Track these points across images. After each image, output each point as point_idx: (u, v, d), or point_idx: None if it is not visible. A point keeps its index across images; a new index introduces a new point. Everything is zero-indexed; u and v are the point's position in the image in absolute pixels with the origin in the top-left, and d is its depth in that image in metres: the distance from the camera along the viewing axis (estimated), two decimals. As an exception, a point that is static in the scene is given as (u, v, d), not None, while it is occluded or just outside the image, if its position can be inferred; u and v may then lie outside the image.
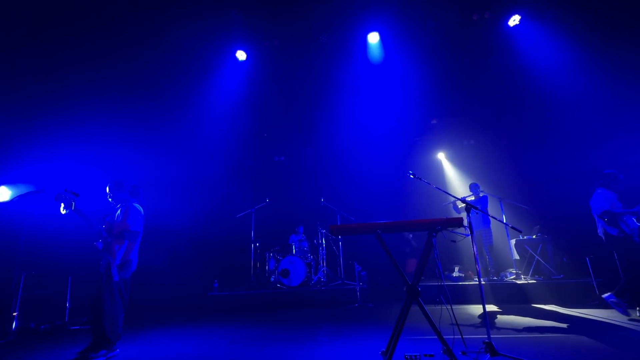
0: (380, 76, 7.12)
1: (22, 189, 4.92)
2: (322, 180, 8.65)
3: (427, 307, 2.43)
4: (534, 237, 5.96)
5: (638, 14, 5.68)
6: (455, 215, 6.33)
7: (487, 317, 2.71)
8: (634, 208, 4.24)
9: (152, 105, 7.12)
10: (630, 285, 4.04)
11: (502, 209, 6.24)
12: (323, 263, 6.82)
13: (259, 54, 6.87)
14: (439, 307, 2.97)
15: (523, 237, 6.01)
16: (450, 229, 2.64)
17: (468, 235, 2.84)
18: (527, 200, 6.42)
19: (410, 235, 7.56)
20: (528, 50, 6.52)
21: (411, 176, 3.32)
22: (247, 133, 8.39)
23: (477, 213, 5.55)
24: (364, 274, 6.28)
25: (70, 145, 6.22)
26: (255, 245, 7.16)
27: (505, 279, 5.75)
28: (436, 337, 2.39)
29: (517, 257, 6.11)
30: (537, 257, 5.71)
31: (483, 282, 5.21)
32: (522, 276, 5.79)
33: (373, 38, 6.55)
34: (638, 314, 4.01)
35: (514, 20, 6.17)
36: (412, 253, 7.36)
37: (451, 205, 6.35)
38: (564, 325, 3.71)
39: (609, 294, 4.16)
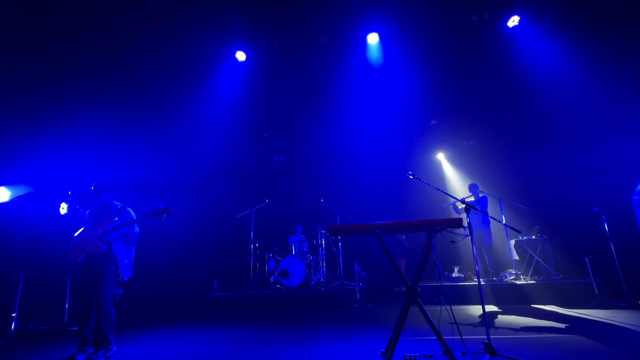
0: (380, 76, 7.13)
1: (22, 190, 4.92)
2: (321, 180, 8.65)
3: (427, 308, 2.43)
4: (533, 237, 5.96)
5: (635, 14, 5.69)
6: (455, 216, 6.34)
7: (486, 317, 2.71)
8: None
9: (151, 106, 7.12)
10: None
11: (501, 210, 6.25)
12: (323, 264, 6.81)
13: (259, 55, 6.88)
14: (438, 307, 2.97)
15: (522, 237, 6.02)
16: (449, 229, 2.64)
17: (467, 236, 2.84)
18: (526, 200, 6.42)
19: (404, 237, 7.56)
20: (527, 51, 6.54)
21: (410, 177, 3.32)
22: (246, 134, 8.39)
23: (476, 214, 5.56)
24: (363, 274, 6.27)
25: (70, 146, 6.22)
26: (254, 245, 7.15)
27: (505, 280, 5.75)
28: (436, 337, 2.39)
29: (516, 257, 6.12)
30: (536, 257, 5.72)
31: (482, 283, 5.21)
32: (522, 276, 5.80)
33: (373, 39, 6.56)
34: None
35: (513, 21, 6.19)
36: (403, 254, 7.37)
37: (451, 206, 6.36)
38: (564, 326, 3.71)
39: None
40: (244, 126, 8.11)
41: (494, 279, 5.86)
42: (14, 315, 4.52)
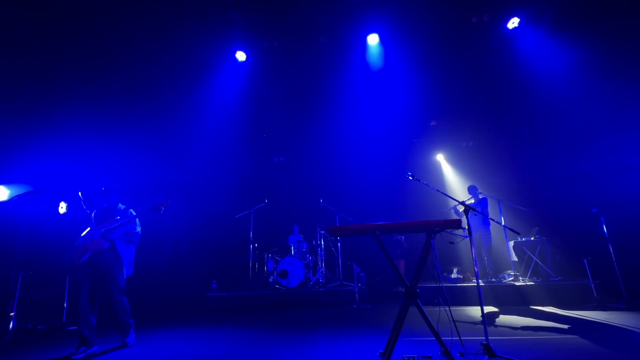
0: (380, 77, 7.14)
1: (21, 189, 4.91)
2: (321, 181, 8.66)
3: (425, 309, 2.44)
4: (532, 239, 5.97)
5: (635, 15, 5.71)
6: (456, 218, 6.34)
7: (485, 318, 2.71)
8: None
9: (150, 106, 7.11)
10: None
11: (500, 211, 6.26)
12: (322, 264, 6.81)
13: (259, 55, 6.88)
14: (437, 308, 2.97)
15: (521, 239, 6.03)
16: (448, 230, 2.64)
17: (467, 237, 2.84)
18: (525, 202, 6.44)
19: (402, 238, 7.57)
20: (527, 53, 6.55)
21: (410, 177, 3.33)
22: (246, 134, 8.39)
23: (475, 215, 5.57)
24: (362, 275, 6.28)
25: (69, 146, 6.21)
26: (253, 245, 7.15)
27: (504, 281, 5.76)
28: (434, 338, 2.39)
29: (515, 258, 6.13)
30: (535, 258, 5.73)
31: (481, 284, 5.22)
32: (520, 278, 5.81)
33: (373, 40, 6.57)
34: None
35: (513, 23, 6.20)
36: (402, 255, 7.37)
37: (452, 210, 6.36)
38: (562, 327, 3.72)
39: None
40: (244, 126, 8.11)
41: (493, 280, 5.86)
42: (12, 314, 4.51)
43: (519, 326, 3.85)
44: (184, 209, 7.78)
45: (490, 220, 6.03)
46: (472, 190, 6.31)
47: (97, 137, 6.55)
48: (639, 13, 5.65)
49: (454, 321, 2.65)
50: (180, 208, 7.69)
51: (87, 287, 3.47)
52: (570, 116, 6.81)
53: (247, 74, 7.17)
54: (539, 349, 2.96)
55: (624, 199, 5.99)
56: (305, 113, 8.10)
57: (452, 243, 2.93)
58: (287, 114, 8.11)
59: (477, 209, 3.06)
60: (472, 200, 6.23)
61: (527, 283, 5.46)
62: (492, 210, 6.65)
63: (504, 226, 3.60)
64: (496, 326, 3.91)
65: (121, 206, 3.85)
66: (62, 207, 5.96)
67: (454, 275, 6.25)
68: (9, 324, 4.43)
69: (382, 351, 2.58)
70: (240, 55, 6.78)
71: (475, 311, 4.86)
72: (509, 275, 5.90)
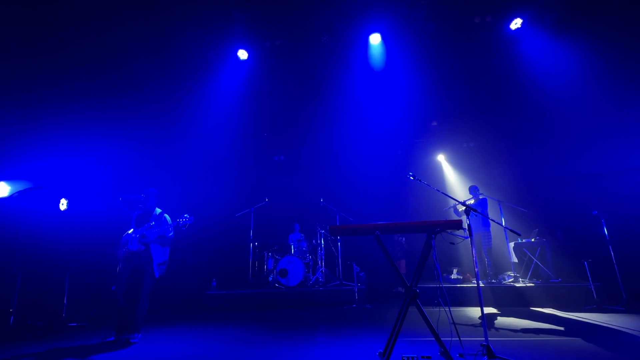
0: (381, 77, 7.13)
1: (22, 185, 4.92)
2: (321, 180, 8.65)
3: (425, 309, 2.43)
4: (532, 240, 5.97)
5: (638, 17, 5.69)
6: (455, 218, 6.34)
7: (484, 319, 2.70)
8: None
9: (151, 104, 7.11)
10: None
11: (501, 212, 6.25)
12: (321, 263, 6.81)
13: (261, 54, 6.87)
14: (436, 309, 2.97)
15: (522, 240, 6.02)
16: (449, 231, 2.64)
17: (467, 238, 2.84)
18: (526, 203, 6.42)
19: (403, 238, 7.57)
20: (529, 54, 6.54)
21: (411, 178, 3.32)
22: (247, 132, 8.39)
23: (476, 215, 5.57)
24: (362, 274, 6.28)
25: (70, 142, 6.21)
26: (253, 244, 7.15)
27: (504, 282, 5.75)
28: (434, 339, 2.39)
29: (515, 260, 6.12)
30: (535, 260, 5.72)
31: (481, 285, 5.21)
32: (521, 279, 5.80)
33: (375, 39, 6.55)
34: None
35: (516, 23, 6.18)
36: (402, 255, 7.37)
37: (452, 210, 6.35)
38: (562, 329, 3.72)
39: None
40: (245, 125, 8.10)
41: (493, 281, 5.86)
42: (12, 310, 4.52)
43: (518, 328, 3.84)
44: (184, 207, 7.77)
45: (490, 221, 6.03)
46: (472, 190, 6.30)
47: (98, 134, 6.54)
48: (642, 15, 5.63)
49: (453, 322, 2.65)
50: (181, 206, 7.69)
51: (123, 281, 3.88)
52: (571, 118, 6.80)
53: (248, 72, 7.16)
54: (538, 350, 2.96)
55: (625, 201, 5.98)
56: (306, 112, 8.09)
57: (453, 244, 2.92)
58: (288, 112, 8.10)
59: (477, 210, 3.04)
60: (472, 201, 6.22)
61: (527, 284, 5.46)
62: (492, 211, 6.64)
63: (504, 227, 3.59)
64: (496, 327, 3.91)
65: (157, 210, 4.18)
66: (63, 204, 5.96)
67: (453, 276, 6.24)
68: (9, 320, 4.44)
69: (381, 351, 2.58)
70: (242, 54, 6.77)
71: (474, 312, 4.86)
72: (509, 276, 5.89)
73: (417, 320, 2.64)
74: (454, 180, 8.53)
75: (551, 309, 4.87)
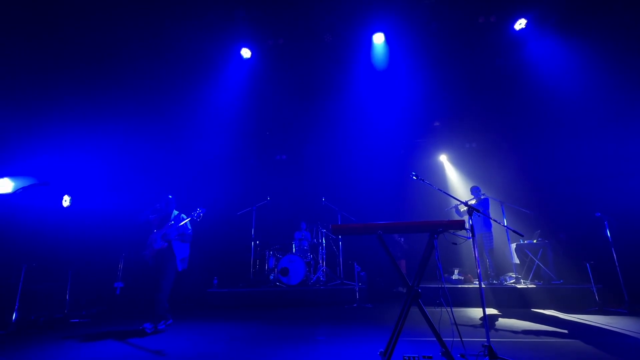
0: (384, 77, 7.12)
1: (25, 181, 4.94)
2: (323, 179, 8.65)
3: (426, 309, 2.43)
4: (534, 241, 5.95)
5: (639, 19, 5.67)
6: (457, 218, 6.33)
7: (486, 320, 2.70)
8: None
9: (155, 101, 7.13)
10: None
11: (503, 213, 6.23)
12: (322, 262, 6.82)
13: (264, 52, 6.87)
14: (438, 309, 2.97)
15: (524, 241, 6.00)
16: (451, 231, 2.63)
17: (469, 238, 2.83)
18: (528, 204, 6.40)
19: (402, 239, 7.56)
20: (533, 54, 6.51)
21: (414, 177, 3.31)
22: (249, 131, 8.39)
23: (479, 216, 5.55)
24: (363, 274, 6.28)
25: (74, 139, 6.24)
26: (255, 243, 7.16)
27: (505, 283, 5.74)
28: (435, 339, 2.39)
29: (517, 261, 6.10)
30: (537, 261, 5.70)
31: (483, 286, 5.20)
32: (522, 280, 5.79)
33: (378, 39, 6.54)
34: None
35: (520, 24, 6.15)
36: (402, 255, 7.36)
37: (453, 210, 6.34)
38: (563, 331, 3.71)
39: None
40: (247, 123, 8.11)
41: (494, 282, 5.85)
42: (15, 306, 4.55)
43: (519, 329, 3.83)
44: (186, 205, 7.79)
45: (492, 222, 6.01)
46: (474, 190, 6.29)
47: (101, 131, 6.57)
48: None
49: (455, 322, 2.64)
50: (182, 204, 7.71)
51: (151, 277, 4.28)
52: (575, 119, 6.76)
53: (251, 71, 7.17)
54: (539, 352, 2.95)
55: (629, 203, 5.95)
56: (309, 111, 8.08)
57: (456, 244, 2.92)
58: (291, 111, 8.10)
59: (479, 210, 3.03)
60: (474, 201, 6.21)
61: (529, 286, 5.44)
62: (494, 212, 6.63)
63: (506, 228, 3.58)
64: (497, 328, 3.90)
65: (175, 212, 4.66)
66: (66, 200, 5.99)
67: (455, 277, 6.23)
68: (12, 316, 4.47)
69: (382, 350, 2.58)
70: (245, 52, 6.78)
71: (476, 313, 4.85)
72: (511, 277, 5.88)
73: (419, 320, 2.63)
74: (455, 180, 8.51)
75: (553, 311, 4.86)
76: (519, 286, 5.45)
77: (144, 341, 3.69)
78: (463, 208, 6.06)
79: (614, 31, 5.92)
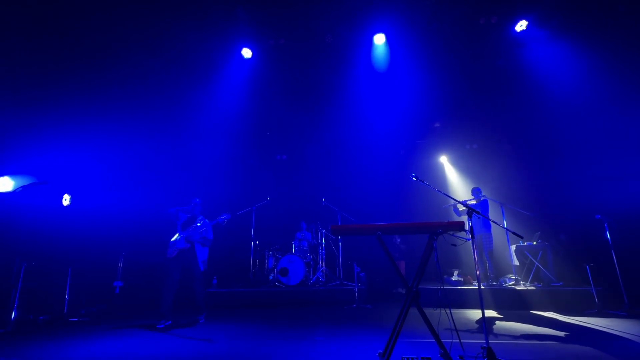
0: (385, 77, 7.11)
1: (25, 180, 4.94)
2: (323, 180, 8.65)
3: (426, 311, 2.43)
4: (534, 243, 5.94)
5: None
6: (455, 217, 6.33)
7: (485, 322, 2.70)
8: None
9: (156, 101, 7.12)
10: None
11: (503, 214, 6.23)
12: (322, 263, 6.82)
13: (265, 52, 6.87)
14: (437, 310, 2.96)
15: (523, 243, 5.99)
16: (451, 232, 2.63)
17: (469, 240, 2.83)
18: (528, 206, 6.40)
19: (398, 240, 7.56)
20: (534, 56, 6.50)
21: (414, 178, 3.31)
22: (249, 131, 8.39)
23: (478, 217, 5.55)
24: (362, 275, 6.27)
25: (74, 138, 6.24)
26: (254, 243, 7.16)
27: (504, 285, 5.73)
28: (434, 340, 2.39)
29: (516, 262, 6.10)
30: (537, 263, 5.70)
31: (482, 287, 5.19)
32: (522, 282, 5.78)
33: (379, 39, 6.54)
34: None
35: (521, 25, 6.15)
36: (400, 257, 7.36)
37: (451, 208, 6.34)
38: (563, 334, 3.70)
39: None
40: (248, 123, 8.11)
41: (494, 283, 5.84)
42: (14, 304, 4.55)
43: (519, 331, 3.83)
44: (187, 204, 7.79)
45: (491, 223, 6.01)
46: (475, 192, 6.30)
47: (101, 131, 6.57)
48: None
49: (454, 323, 2.64)
50: (183, 203, 7.71)
51: (174, 276, 4.54)
52: (576, 121, 6.76)
53: (252, 71, 7.16)
54: (538, 354, 2.95)
55: (629, 206, 5.94)
56: (309, 112, 8.08)
57: (455, 245, 2.92)
58: (291, 112, 8.10)
59: (478, 211, 3.03)
60: (474, 202, 6.21)
61: (528, 287, 5.44)
62: (494, 214, 6.62)
63: (506, 229, 3.58)
64: (496, 330, 3.90)
65: (200, 216, 4.93)
66: (66, 199, 5.99)
67: (454, 278, 6.23)
68: (11, 314, 4.47)
69: (381, 351, 2.58)
70: (246, 52, 6.78)
71: (475, 314, 4.84)
72: (510, 279, 5.88)
73: (418, 321, 2.63)
74: (456, 181, 8.51)
75: (552, 313, 4.86)
76: (518, 288, 5.44)
77: (141, 341, 3.69)
78: (462, 208, 6.06)
79: (616, 33, 5.92)
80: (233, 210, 7.47)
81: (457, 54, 6.72)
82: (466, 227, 2.68)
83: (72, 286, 5.37)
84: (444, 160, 8.69)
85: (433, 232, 2.56)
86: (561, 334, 3.69)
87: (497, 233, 6.38)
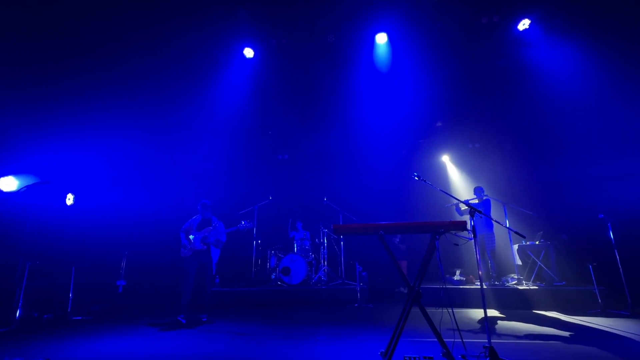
0: (387, 77, 7.10)
1: (29, 180, 4.98)
2: (325, 179, 8.65)
3: (428, 310, 2.43)
4: (536, 242, 5.92)
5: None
6: (457, 217, 6.32)
7: (487, 321, 2.70)
8: None
9: (158, 101, 7.14)
10: None
11: (505, 214, 6.21)
12: (324, 262, 6.82)
13: (267, 52, 6.87)
14: (439, 310, 2.96)
15: (526, 242, 5.98)
16: (453, 232, 2.63)
17: (471, 239, 2.83)
18: (531, 205, 6.38)
19: (397, 240, 7.56)
20: (537, 55, 6.47)
21: (416, 178, 3.31)
22: (251, 130, 8.40)
23: (480, 217, 5.54)
24: (364, 274, 6.28)
25: (78, 138, 6.28)
26: (256, 242, 7.18)
27: (507, 284, 5.72)
28: (436, 339, 2.39)
29: (519, 262, 6.08)
30: (539, 263, 5.68)
31: (484, 287, 5.18)
32: (524, 282, 5.77)
33: (381, 39, 6.53)
34: None
35: (524, 24, 6.12)
36: (401, 256, 7.35)
37: (454, 207, 6.33)
38: (565, 333, 3.69)
39: None
40: (249, 123, 8.12)
41: (496, 283, 5.83)
42: (18, 303, 4.58)
43: (521, 330, 3.82)
44: (188, 204, 7.82)
45: (493, 223, 5.99)
46: (477, 191, 6.28)
47: (104, 130, 6.60)
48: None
49: (456, 323, 2.64)
50: (184, 202, 7.74)
51: (190, 275, 4.71)
52: (579, 120, 6.73)
53: (254, 70, 7.17)
54: (540, 354, 2.95)
55: (632, 205, 5.92)
56: (311, 111, 8.08)
57: (457, 245, 2.92)
58: (293, 111, 8.10)
59: (480, 210, 3.03)
60: (476, 201, 6.20)
61: (531, 287, 5.43)
62: (497, 213, 6.61)
63: (508, 229, 3.57)
64: (498, 330, 3.89)
65: (215, 219, 5.05)
66: (69, 199, 6.03)
67: (456, 277, 6.22)
68: (16, 313, 4.50)
69: (383, 350, 2.58)
70: (248, 52, 6.79)
71: (477, 314, 4.84)
72: (512, 278, 5.86)
73: (420, 321, 2.63)
74: (458, 181, 8.49)
75: (555, 313, 4.84)
76: (520, 287, 5.43)
77: (145, 339, 3.71)
78: (464, 207, 6.05)
79: (619, 32, 5.88)
80: (235, 210, 7.52)
81: (459, 53, 6.69)
82: (468, 226, 2.68)
83: (75, 285, 5.40)
84: (446, 159, 8.66)
85: (435, 232, 2.56)
86: (564, 333, 3.68)
87: (500, 232, 6.37)
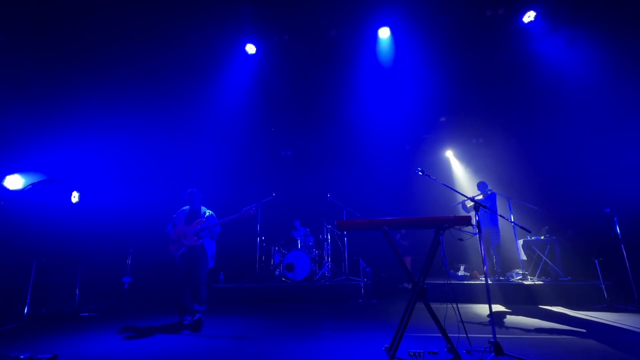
0: (390, 72, 7.05)
1: (35, 178, 5.02)
2: (328, 175, 8.64)
3: (432, 305, 2.42)
4: (542, 237, 5.89)
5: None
6: (463, 214, 6.28)
7: (492, 316, 2.69)
8: None
9: (162, 98, 7.16)
10: None
11: (510, 209, 6.17)
12: (328, 258, 6.84)
13: (269, 48, 6.84)
14: (444, 305, 2.96)
15: (531, 237, 5.94)
16: (457, 227, 2.62)
17: (476, 234, 2.81)
18: (536, 200, 6.32)
19: (398, 236, 7.55)
20: (542, 48, 6.38)
21: (420, 173, 3.28)
22: (255, 127, 8.40)
23: (485, 212, 5.51)
24: (368, 270, 6.28)
25: (83, 136, 6.31)
26: (260, 238, 7.21)
27: (512, 279, 5.70)
28: (441, 335, 2.39)
29: (524, 257, 6.05)
30: (544, 258, 5.65)
31: (489, 282, 5.17)
32: (529, 277, 5.74)
33: (384, 33, 6.47)
34: None
35: (529, 16, 6.03)
36: (404, 252, 7.35)
37: (460, 205, 6.30)
38: (571, 328, 3.67)
39: None
40: (253, 119, 8.11)
41: (501, 278, 5.81)
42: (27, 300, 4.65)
43: (526, 325, 3.81)
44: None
45: (499, 218, 5.96)
46: (481, 186, 6.25)
47: (110, 128, 6.63)
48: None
49: (461, 318, 2.64)
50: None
51: (186, 272, 4.25)
52: (585, 114, 6.63)
53: (256, 67, 7.15)
54: (547, 349, 2.93)
55: (639, 199, 5.85)
56: (314, 107, 8.06)
57: (462, 240, 2.90)
58: (296, 108, 8.08)
59: (486, 206, 3.00)
60: (481, 196, 6.16)
61: (536, 282, 5.40)
62: (501, 208, 6.56)
63: (513, 224, 3.55)
64: (503, 325, 3.88)
65: (207, 211, 4.58)
66: (75, 197, 6.08)
67: (461, 273, 6.20)
68: (24, 309, 4.57)
69: (387, 346, 2.59)
70: (250, 48, 6.76)
71: (482, 309, 4.83)
72: (517, 273, 5.84)
73: (424, 316, 2.63)
74: (462, 176, 8.45)
75: (560, 308, 4.82)
76: (525, 283, 5.41)
77: (151, 335, 3.74)
78: (470, 204, 6.02)
79: (626, 24, 5.77)
80: (239, 206, 7.52)
81: (463, 46, 6.62)
82: (473, 221, 2.66)
83: (82, 282, 5.47)
84: (449, 154, 8.62)
85: (440, 227, 2.55)
86: (569, 328, 3.66)
87: (505, 227, 6.33)
